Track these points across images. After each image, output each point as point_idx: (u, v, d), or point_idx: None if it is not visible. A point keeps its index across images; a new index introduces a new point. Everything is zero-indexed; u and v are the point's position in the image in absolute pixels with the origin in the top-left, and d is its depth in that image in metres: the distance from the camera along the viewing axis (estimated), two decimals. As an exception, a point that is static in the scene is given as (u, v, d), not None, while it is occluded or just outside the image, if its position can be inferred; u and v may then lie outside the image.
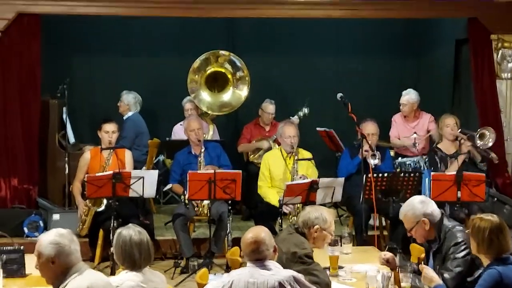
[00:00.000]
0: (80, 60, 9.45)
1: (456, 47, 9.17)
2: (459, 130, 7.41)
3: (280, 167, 7.16)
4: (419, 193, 6.96)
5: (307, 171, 7.08)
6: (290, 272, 3.84)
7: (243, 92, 8.54)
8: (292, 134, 7.13)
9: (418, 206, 4.51)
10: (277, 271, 3.81)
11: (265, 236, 3.87)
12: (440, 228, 4.47)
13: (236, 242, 6.57)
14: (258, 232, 3.91)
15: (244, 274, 3.81)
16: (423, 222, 4.47)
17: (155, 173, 6.79)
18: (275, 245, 3.91)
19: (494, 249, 3.95)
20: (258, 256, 3.82)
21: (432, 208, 4.53)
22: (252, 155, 8.54)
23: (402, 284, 4.31)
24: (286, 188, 6.45)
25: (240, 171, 6.73)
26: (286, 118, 8.44)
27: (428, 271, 4.28)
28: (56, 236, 3.59)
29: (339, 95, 6.88)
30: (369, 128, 7.29)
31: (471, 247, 4.09)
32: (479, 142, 7.37)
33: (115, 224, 6.47)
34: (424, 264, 4.54)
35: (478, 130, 7.48)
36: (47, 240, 3.57)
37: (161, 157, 8.98)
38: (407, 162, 7.89)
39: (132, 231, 3.87)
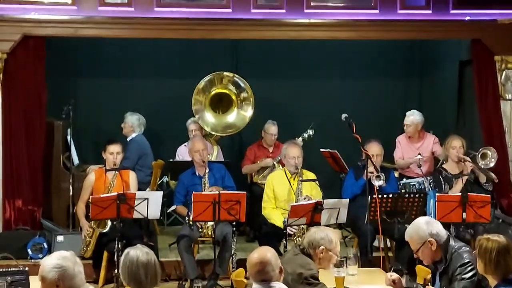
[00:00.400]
0: (84, 82, 9.48)
1: (459, 68, 9.19)
2: (464, 153, 7.42)
3: (284, 188, 7.14)
4: (424, 214, 6.94)
5: (311, 192, 7.06)
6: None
7: (248, 112, 8.55)
8: (296, 155, 7.12)
9: (424, 227, 4.50)
10: (284, 293, 3.79)
11: (271, 257, 3.86)
12: (447, 249, 4.45)
13: (241, 263, 6.56)
14: (264, 252, 3.90)
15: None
16: (429, 242, 4.46)
17: (159, 194, 6.79)
18: (280, 266, 3.89)
19: (501, 270, 3.94)
20: (263, 277, 3.80)
21: (438, 228, 4.52)
22: (256, 176, 8.53)
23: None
24: (290, 209, 6.42)
25: (245, 193, 6.70)
26: (290, 140, 8.48)
27: None
28: (59, 260, 3.58)
29: (344, 115, 6.90)
30: (374, 149, 7.27)
31: (478, 267, 4.07)
32: (481, 162, 7.37)
33: (119, 245, 6.46)
34: (430, 285, 4.51)
35: (480, 149, 7.49)
36: (50, 264, 3.56)
37: (165, 179, 8.98)
38: (412, 183, 7.86)
39: (139, 252, 3.84)
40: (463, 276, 4.33)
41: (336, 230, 5.24)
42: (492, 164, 7.43)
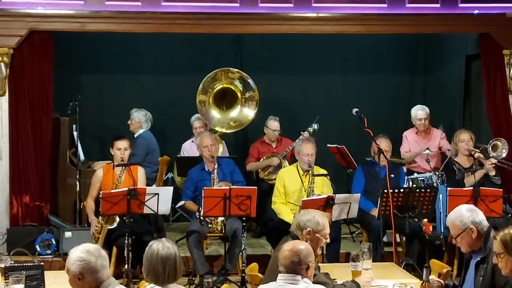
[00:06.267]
0: (89, 78, 9.43)
1: (466, 63, 9.17)
2: (474, 146, 7.41)
3: (295, 184, 7.09)
4: (435, 209, 6.93)
5: (323, 189, 6.99)
6: (320, 287, 3.79)
7: (251, 112, 8.48)
8: (310, 152, 7.06)
9: (467, 214, 4.46)
10: (306, 286, 3.75)
11: (303, 250, 3.83)
12: (487, 239, 4.39)
13: (250, 259, 6.54)
14: (297, 244, 3.90)
15: (273, 289, 3.76)
16: (470, 230, 4.40)
17: (169, 190, 6.75)
18: (309, 264, 3.83)
19: None
20: (289, 267, 3.77)
21: (481, 217, 4.47)
22: (262, 172, 8.48)
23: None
24: (301, 204, 6.36)
25: (255, 188, 6.68)
26: (294, 135, 8.43)
27: None
28: (82, 253, 3.56)
29: (355, 110, 6.84)
30: (383, 144, 7.22)
31: (503, 266, 3.92)
32: (492, 154, 7.35)
33: (129, 241, 6.42)
34: (462, 274, 4.47)
35: (490, 141, 7.48)
36: (75, 256, 3.56)
37: (170, 175, 8.93)
38: (420, 178, 7.83)
39: (161, 246, 3.80)
40: None
41: (325, 213, 5.23)
42: (504, 155, 7.41)
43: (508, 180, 7.74)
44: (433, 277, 4.63)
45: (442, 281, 4.59)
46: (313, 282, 3.94)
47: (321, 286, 3.82)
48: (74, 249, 3.59)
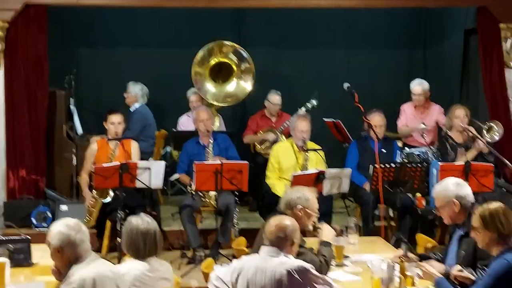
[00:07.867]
0: (85, 52, 9.44)
1: (464, 37, 9.11)
2: (469, 122, 7.39)
3: (290, 160, 7.11)
4: (427, 183, 6.95)
5: (317, 166, 6.99)
6: (299, 262, 3.84)
7: (248, 84, 8.50)
8: (305, 129, 7.07)
9: (452, 188, 4.52)
10: (287, 260, 3.81)
11: (289, 226, 3.91)
12: (471, 214, 4.41)
13: (243, 233, 6.59)
14: (283, 219, 3.98)
15: (254, 261, 3.82)
16: (453, 203, 4.47)
17: (162, 164, 6.76)
18: (294, 240, 3.90)
19: (506, 231, 3.89)
20: (274, 241, 3.83)
21: (466, 192, 4.52)
22: (259, 146, 8.51)
23: (408, 274, 4.28)
24: (293, 179, 6.40)
25: (247, 162, 6.70)
26: (294, 110, 8.44)
27: (427, 267, 4.26)
28: (62, 227, 3.64)
29: (346, 85, 6.86)
30: (376, 119, 7.25)
31: (482, 241, 4.00)
32: (486, 135, 7.33)
33: (122, 215, 6.48)
34: (447, 245, 4.58)
35: (487, 122, 7.43)
36: (55, 230, 3.64)
37: (168, 149, 8.97)
38: (416, 153, 7.84)
39: (140, 221, 3.87)
40: None
41: (312, 188, 5.27)
42: (497, 138, 7.38)
43: (503, 154, 7.70)
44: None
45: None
46: (302, 260, 4.00)
47: (300, 261, 3.86)
48: (55, 224, 3.68)
